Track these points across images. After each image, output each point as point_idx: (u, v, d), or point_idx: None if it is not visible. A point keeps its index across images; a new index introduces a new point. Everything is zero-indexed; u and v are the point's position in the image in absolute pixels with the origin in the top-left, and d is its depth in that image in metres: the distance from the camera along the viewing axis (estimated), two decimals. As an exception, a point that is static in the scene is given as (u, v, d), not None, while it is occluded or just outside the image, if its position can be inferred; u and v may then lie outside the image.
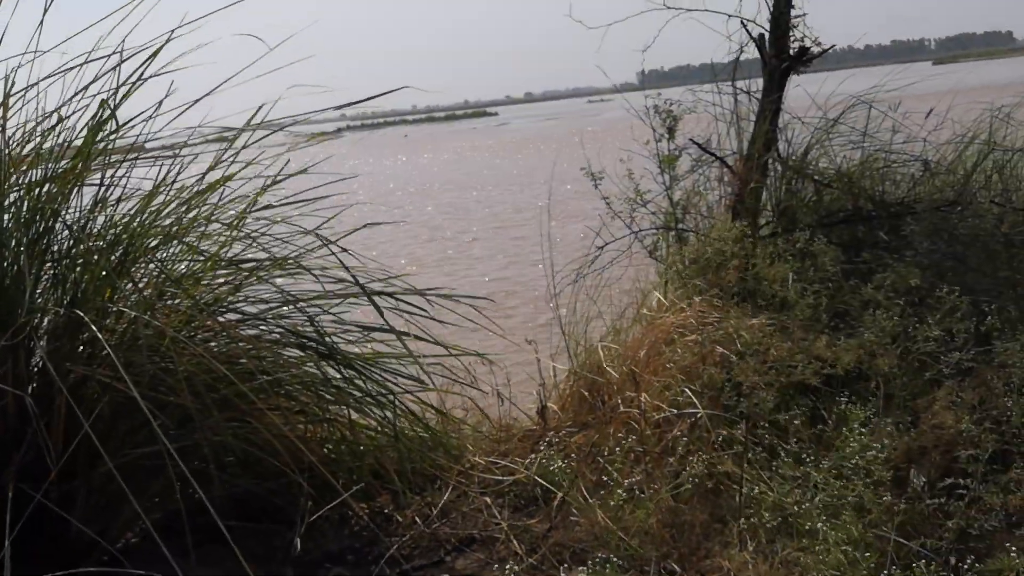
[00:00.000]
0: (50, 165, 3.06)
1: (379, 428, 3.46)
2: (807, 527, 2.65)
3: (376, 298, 3.19)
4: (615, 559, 2.65)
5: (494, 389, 3.79)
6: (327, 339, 3.32)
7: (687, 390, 3.34)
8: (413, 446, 3.50)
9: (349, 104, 3.71)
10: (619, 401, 3.63)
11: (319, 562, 3.08)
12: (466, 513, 3.27)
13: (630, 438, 3.28)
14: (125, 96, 3.09)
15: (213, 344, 3.18)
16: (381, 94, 3.75)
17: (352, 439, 3.43)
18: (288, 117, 3.43)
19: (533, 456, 3.46)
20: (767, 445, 3.09)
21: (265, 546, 3.11)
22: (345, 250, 3.22)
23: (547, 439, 3.44)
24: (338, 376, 3.35)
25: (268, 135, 3.45)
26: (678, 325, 3.76)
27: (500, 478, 3.42)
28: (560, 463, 3.26)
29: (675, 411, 3.30)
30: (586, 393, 3.93)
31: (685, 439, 3.17)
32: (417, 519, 3.23)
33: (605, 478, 3.16)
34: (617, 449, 3.25)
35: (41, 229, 3.01)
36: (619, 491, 2.97)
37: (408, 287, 3.46)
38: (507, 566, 2.83)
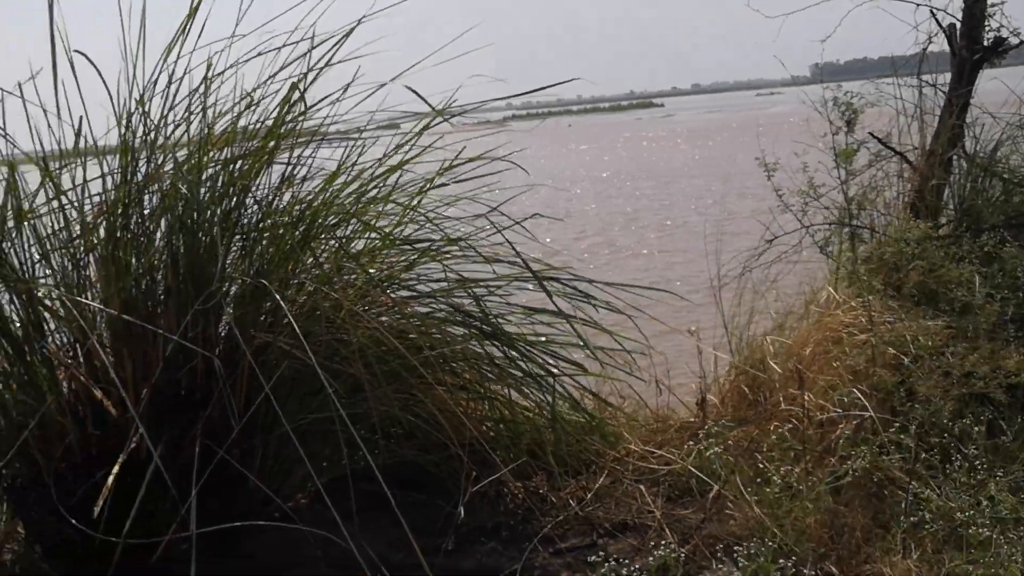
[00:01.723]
0: (243, 143, 3.26)
1: (537, 409, 3.52)
2: (979, 539, 2.53)
3: (543, 282, 3.25)
4: (769, 551, 2.60)
5: (653, 378, 3.78)
6: (492, 319, 3.40)
7: (855, 391, 3.23)
8: (570, 429, 3.54)
9: (521, 94, 3.77)
10: (781, 398, 3.56)
11: (474, 536, 3.17)
12: (620, 499, 3.28)
13: (791, 436, 3.21)
14: (314, 80, 3.25)
15: (385, 319, 3.31)
16: (552, 85, 3.79)
17: (511, 418, 3.50)
18: (459, 106, 3.52)
19: (690, 447, 3.44)
20: (939, 450, 2.95)
21: (424, 516, 3.22)
22: (509, 227, 3.29)
23: (705, 431, 3.40)
24: (501, 356, 3.43)
25: (442, 121, 3.55)
26: (848, 324, 3.64)
27: (655, 467, 3.42)
28: (718, 456, 3.23)
29: (840, 411, 3.20)
30: (746, 388, 3.87)
31: (849, 440, 3.07)
32: (571, 501, 3.28)
33: (763, 474, 3.11)
34: (777, 446, 3.19)
35: (233, 203, 3.21)
36: (776, 487, 2.91)
37: (574, 273, 3.49)
38: (659, 553, 2.84)
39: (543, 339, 3.52)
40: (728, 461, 3.19)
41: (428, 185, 3.51)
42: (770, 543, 2.66)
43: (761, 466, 3.15)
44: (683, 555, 2.81)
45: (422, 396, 3.18)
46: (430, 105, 3.37)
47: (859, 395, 3.21)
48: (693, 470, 3.26)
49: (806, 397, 3.33)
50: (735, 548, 2.79)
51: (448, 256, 3.47)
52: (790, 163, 4.80)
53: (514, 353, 3.43)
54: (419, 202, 3.48)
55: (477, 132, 3.91)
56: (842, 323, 3.71)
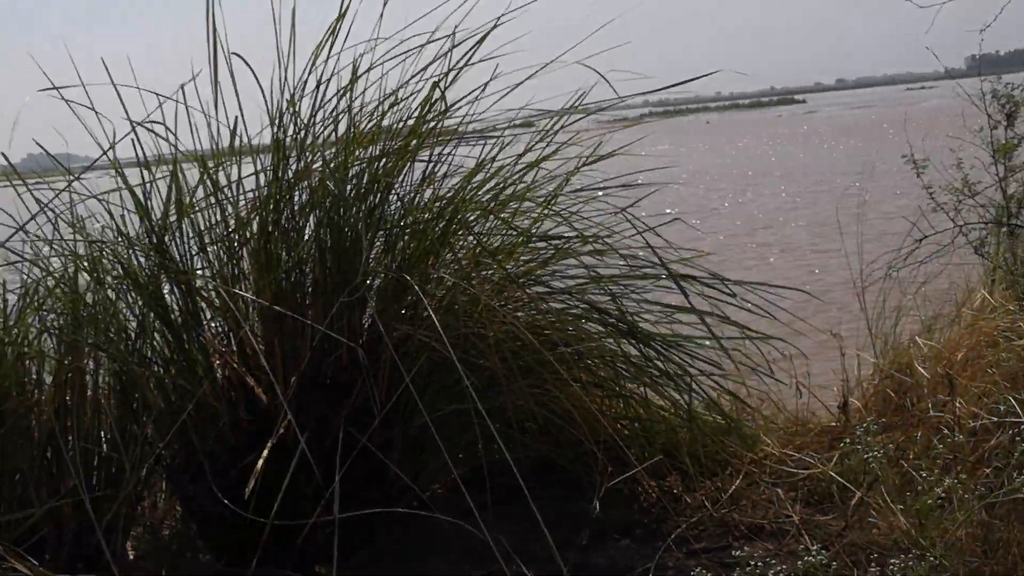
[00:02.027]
0: (387, 142, 3.35)
1: (673, 409, 3.49)
2: None
3: (680, 280, 3.21)
4: (926, 566, 2.50)
5: (793, 380, 3.69)
6: (628, 316, 3.39)
7: (1011, 399, 3.06)
8: (706, 429, 3.49)
9: (657, 90, 3.73)
10: (929, 404, 3.41)
11: (607, 532, 3.17)
12: (756, 502, 3.22)
13: (940, 444, 3.07)
14: (454, 79, 3.31)
15: (521, 314, 3.35)
16: (690, 80, 3.74)
17: (646, 417, 3.48)
18: (595, 103, 3.51)
19: (831, 452, 3.34)
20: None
21: (557, 511, 3.24)
22: (644, 231, 3.27)
23: (848, 436, 3.29)
24: (637, 354, 3.42)
25: (579, 119, 3.56)
26: (1005, 329, 3.45)
27: (794, 471, 3.33)
28: (862, 461, 3.12)
29: (995, 420, 3.04)
30: (892, 393, 3.72)
31: (1005, 451, 2.91)
32: (706, 502, 3.23)
33: (909, 482, 2.99)
34: (925, 454, 3.06)
35: (376, 200, 3.31)
36: (925, 497, 2.79)
37: (712, 272, 3.44)
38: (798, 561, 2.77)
39: (680, 338, 3.48)
40: (872, 467, 3.07)
41: (565, 182, 3.52)
42: (918, 555, 2.56)
43: (908, 474, 3.03)
44: (825, 562, 2.73)
45: (557, 392, 3.20)
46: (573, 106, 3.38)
47: (1016, 403, 3.04)
48: (834, 475, 3.16)
49: (957, 404, 3.18)
50: (879, 557, 2.70)
51: (584, 253, 3.48)
52: (942, 160, 4.59)
53: (650, 351, 3.40)
54: (555, 199, 3.50)
55: (613, 129, 3.90)
56: (998, 327, 3.53)
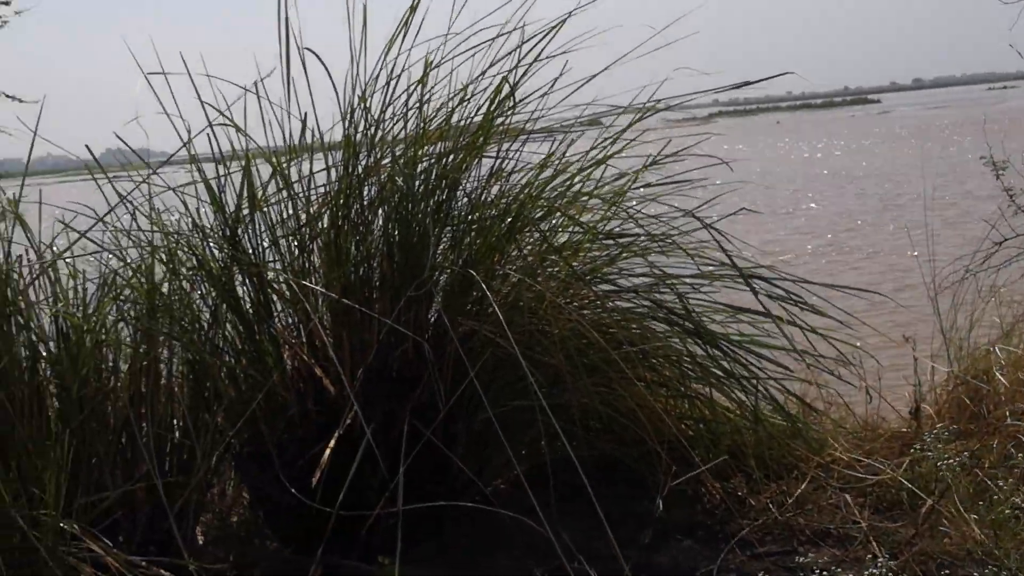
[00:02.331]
0: (455, 138, 3.37)
1: (739, 410, 3.45)
2: None
3: (748, 279, 3.17)
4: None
5: (863, 384, 3.61)
6: (695, 316, 3.36)
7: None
8: (773, 432, 3.44)
9: (726, 87, 3.68)
10: (1007, 413, 3.32)
11: (670, 532, 3.15)
12: (823, 507, 3.17)
13: (1018, 454, 2.99)
14: (524, 75, 3.32)
15: (586, 312, 3.34)
16: (760, 80, 3.68)
17: (711, 418, 3.45)
18: (664, 100, 3.48)
19: (901, 459, 3.26)
20: None
21: (620, 509, 3.23)
22: (715, 231, 3.24)
23: (919, 443, 3.22)
24: (703, 354, 3.39)
25: (646, 117, 3.53)
26: (1089, 336, 3.34)
27: (862, 476, 3.27)
28: (933, 469, 3.05)
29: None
30: (967, 400, 3.63)
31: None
32: (771, 506, 3.19)
33: (983, 492, 2.91)
34: (1001, 463, 2.97)
35: (444, 196, 3.33)
36: (1002, 507, 2.72)
37: (780, 273, 3.39)
38: (866, 570, 2.72)
39: (747, 339, 3.44)
40: (944, 475, 3.00)
41: (632, 180, 3.51)
42: (993, 566, 2.49)
43: (982, 483, 2.95)
44: (894, 570, 2.68)
45: (621, 391, 3.19)
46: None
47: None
48: (904, 482, 3.09)
49: (1036, 412, 3.09)
50: (950, 567, 2.64)
51: (651, 252, 3.46)
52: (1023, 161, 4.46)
53: (717, 352, 3.37)
54: (623, 197, 3.49)
55: (682, 128, 3.86)
56: (1081, 335, 3.41)
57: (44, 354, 2.99)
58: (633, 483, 3.34)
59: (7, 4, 7.01)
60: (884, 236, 13.47)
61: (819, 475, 3.32)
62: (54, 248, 3.07)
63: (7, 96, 6.94)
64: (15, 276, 2.91)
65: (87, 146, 3.15)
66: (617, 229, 3.50)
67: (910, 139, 36.53)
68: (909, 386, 3.80)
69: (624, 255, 3.47)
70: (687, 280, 3.42)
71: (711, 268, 3.37)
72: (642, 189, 3.58)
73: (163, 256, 3.17)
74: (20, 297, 2.90)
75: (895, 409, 3.78)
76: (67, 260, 3.09)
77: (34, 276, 2.98)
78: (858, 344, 3.55)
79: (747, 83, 3.67)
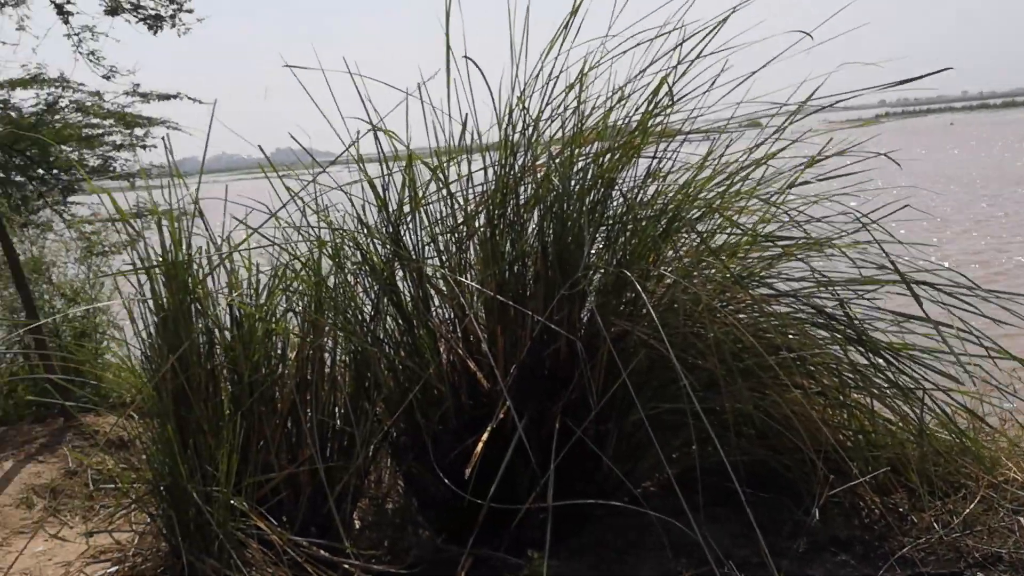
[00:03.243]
0: (612, 138, 3.37)
1: (902, 423, 3.30)
2: None
3: (914, 287, 3.03)
4: None
5: (1042, 401, 3.39)
6: (857, 323, 3.24)
7: None
8: (939, 447, 3.28)
9: (892, 84, 3.51)
10: None
11: (824, 545, 3.06)
12: (994, 529, 2.99)
13: None
14: (682, 74, 3.28)
15: (742, 316, 3.28)
16: (924, 75, 3.49)
17: (871, 429, 3.31)
18: (827, 96, 3.36)
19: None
20: None
21: (771, 517, 3.16)
22: (880, 231, 3.12)
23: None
24: (864, 363, 3.26)
25: (807, 115, 3.42)
26: None
27: (1039, 499, 3.08)
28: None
29: None
30: None
31: None
32: (935, 524, 3.04)
33: None
34: None
35: (599, 196, 3.34)
36: None
37: (949, 280, 3.22)
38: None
39: (912, 348, 3.28)
40: None
41: (793, 181, 3.41)
42: None
43: None
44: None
45: (776, 397, 3.11)
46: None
47: None
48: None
49: None
50: None
51: (811, 255, 3.35)
52: None
53: (879, 361, 3.23)
54: (783, 198, 3.40)
55: (844, 128, 3.73)
56: None
57: (219, 340, 3.18)
58: (786, 492, 3.26)
59: (190, 12, 7.44)
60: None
61: (990, 495, 3.14)
62: (230, 241, 3.25)
63: (189, 98, 7.39)
64: (196, 267, 3.10)
65: (259, 146, 3.33)
66: (776, 231, 3.41)
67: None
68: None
69: (783, 258, 3.39)
70: (850, 285, 3.30)
71: (875, 273, 3.24)
72: (802, 190, 3.48)
73: (329, 251, 3.31)
74: (200, 286, 3.09)
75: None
76: (242, 253, 3.27)
77: (213, 267, 3.16)
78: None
79: (912, 79, 3.49)
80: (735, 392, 3.03)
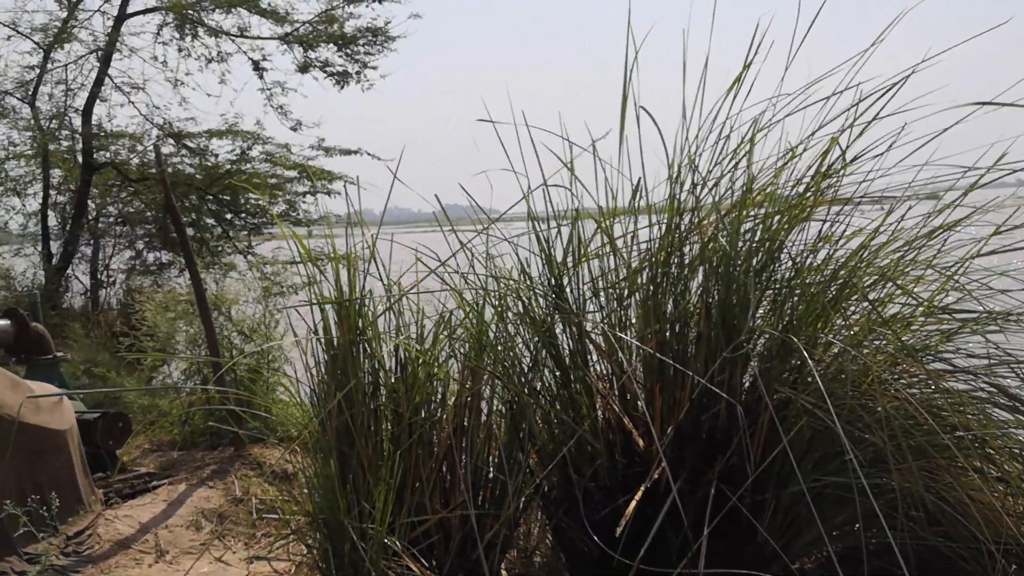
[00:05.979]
0: (781, 199, 3.30)
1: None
2: None
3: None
4: None
5: None
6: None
7: None
8: None
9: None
10: None
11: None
12: None
13: None
14: (858, 135, 3.19)
15: (914, 391, 3.12)
16: None
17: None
18: (1018, 161, 3.18)
19: None
20: None
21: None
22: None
23: None
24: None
25: (994, 180, 3.23)
26: None
27: None
28: None
29: None
30: None
31: None
32: None
33: None
34: None
35: (767, 258, 3.27)
36: None
37: None
38: None
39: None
40: None
41: (977, 251, 3.23)
42: None
43: None
44: None
45: (951, 479, 2.93)
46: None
47: None
48: None
49: None
50: None
51: (992, 330, 3.16)
52: None
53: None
54: (965, 269, 3.22)
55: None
56: None
57: (383, 381, 3.29)
58: (957, 582, 3.04)
59: (375, 69, 7.84)
60: None
61: None
62: (400, 286, 3.37)
63: (368, 154, 7.76)
64: (367, 309, 3.23)
65: (436, 195, 3.44)
66: (954, 303, 3.24)
67: None
68: None
69: (962, 331, 3.20)
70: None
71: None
72: (986, 261, 3.29)
73: (493, 300, 3.38)
74: (371, 326, 3.21)
75: None
76: (410, 298, 3.38)
77: (384, 309, 3.29)
78: None
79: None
80: (904, 470, 2.87)
